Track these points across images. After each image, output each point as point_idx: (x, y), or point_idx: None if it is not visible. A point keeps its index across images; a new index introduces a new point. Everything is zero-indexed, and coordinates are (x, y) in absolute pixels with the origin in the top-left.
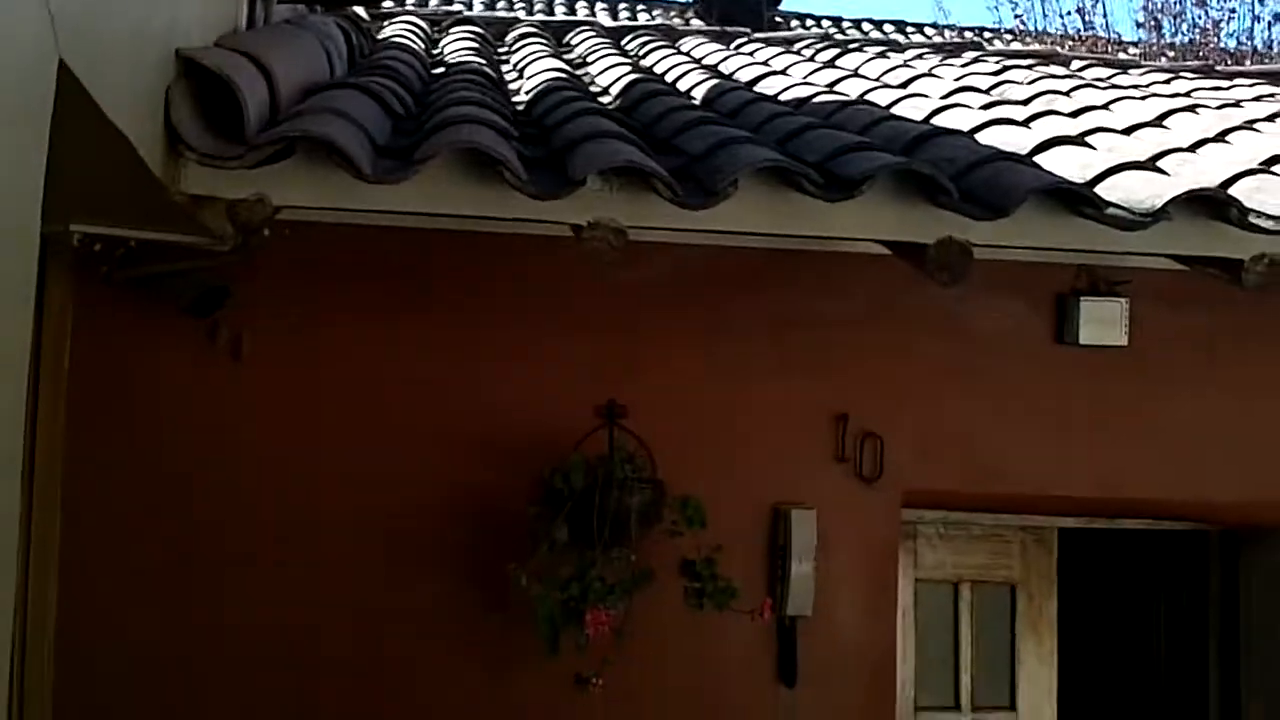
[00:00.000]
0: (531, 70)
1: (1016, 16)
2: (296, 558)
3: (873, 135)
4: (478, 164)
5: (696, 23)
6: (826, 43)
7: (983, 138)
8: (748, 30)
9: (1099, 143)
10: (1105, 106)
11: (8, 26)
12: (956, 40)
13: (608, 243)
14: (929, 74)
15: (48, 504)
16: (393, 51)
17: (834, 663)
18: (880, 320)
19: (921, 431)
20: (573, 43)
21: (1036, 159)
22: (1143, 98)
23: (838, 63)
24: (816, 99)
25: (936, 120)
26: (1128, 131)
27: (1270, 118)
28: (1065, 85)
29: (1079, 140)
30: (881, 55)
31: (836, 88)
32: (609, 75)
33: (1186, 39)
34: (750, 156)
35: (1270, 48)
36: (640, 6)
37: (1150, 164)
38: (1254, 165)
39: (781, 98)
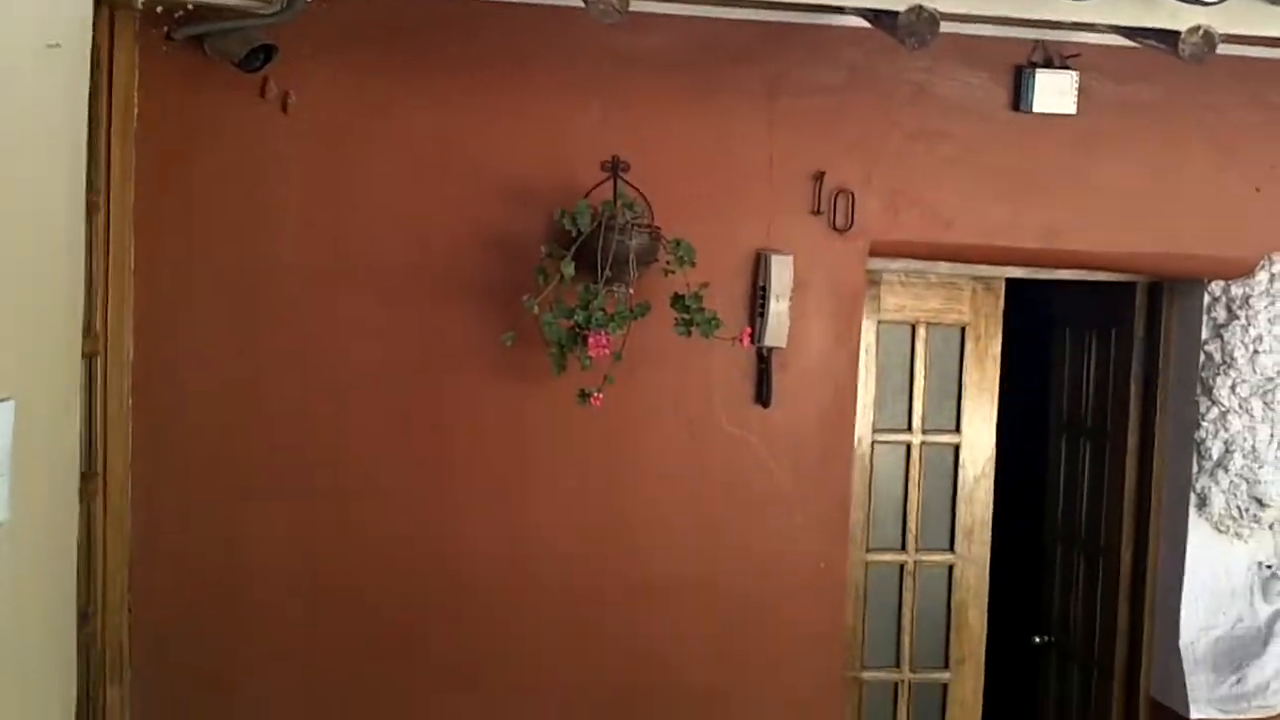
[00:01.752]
0: None
1: None
2: (334, 283)
3: None
4: None
5: None
6: None
7: None
8: None
9: None
10: None
11: None
12: None
13: (612, 7)
14: None
15: (122, 237)
16: None
17: (803, 388)
18: (857, 89)
19: (889, 188)
20: None
21: None
22: None
23: None
24: None
25: None
26: None
27: None
28: None
29: None
30: None
31: None
32: None
33: None
34: None
35: None
36: None
37: None
38: None
39: None
